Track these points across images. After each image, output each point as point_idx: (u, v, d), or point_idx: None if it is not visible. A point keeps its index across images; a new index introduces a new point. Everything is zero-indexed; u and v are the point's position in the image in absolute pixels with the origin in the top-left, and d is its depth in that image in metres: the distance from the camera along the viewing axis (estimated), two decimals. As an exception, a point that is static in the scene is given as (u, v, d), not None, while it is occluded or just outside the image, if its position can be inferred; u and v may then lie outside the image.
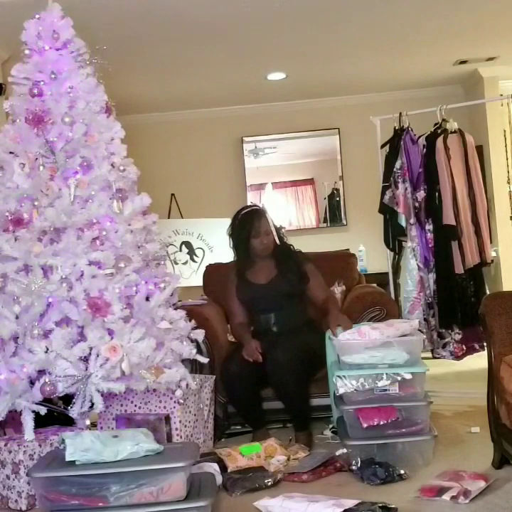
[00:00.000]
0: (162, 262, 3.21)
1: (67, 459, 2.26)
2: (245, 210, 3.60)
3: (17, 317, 2.77)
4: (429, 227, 4.21)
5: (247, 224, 3.52)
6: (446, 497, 2.47)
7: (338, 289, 4.00)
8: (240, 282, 3.65)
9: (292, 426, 3.46)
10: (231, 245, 3.67)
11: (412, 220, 4.22)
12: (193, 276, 6.40)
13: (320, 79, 6.25)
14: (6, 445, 2.70)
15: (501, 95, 5.89)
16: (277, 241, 3.58)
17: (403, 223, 4.26)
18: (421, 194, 4.20)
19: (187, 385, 3.03)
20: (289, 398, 3.36)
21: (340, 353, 3.05)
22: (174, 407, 2.99)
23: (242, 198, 6.98)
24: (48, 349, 2.71)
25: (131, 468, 2.24)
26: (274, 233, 3.56)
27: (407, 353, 3.00)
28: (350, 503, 2.36)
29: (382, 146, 4.56)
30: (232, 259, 3.74)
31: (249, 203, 3.77)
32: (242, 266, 3.64)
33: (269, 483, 2.76)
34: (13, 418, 2.84)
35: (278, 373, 3.28)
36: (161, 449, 2.36)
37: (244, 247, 3.57)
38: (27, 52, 3.07)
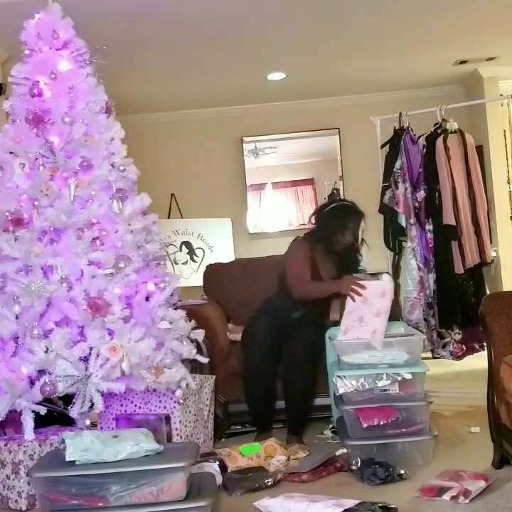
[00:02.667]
0: (162, 262, 3.21)
1: (67, 459, 2.26)
2: (347, 203, 3.57)
3: (17, 317, 2.77)
4: (429, 227, 4.21)
5: (344, 216, 3.47)
6: (446, 497, 2.47)
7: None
8: (312, 260, 3.52)
9: (287, 428, 3.43)
10: (315, 224, 3.57)
11: (412, 220, 4.22)
12: (193, 276, 6.41)
13: (320, 79, 6.25)
14: (6, 445, 2.70)
15: (501, 95, 5.89)
16: (355, 246, 3.52)
17: (403, 223, 4.27)
18: (421, 194, 4.21)
19: (187, 385, 3.03)
20: (297, 397, 3.37)
21: (340, 353, 3.05)
22: (174, 407, 2.99)
23: (242, 198, 6.99)
24: (47, 349, 2.71)
25: (131, 468, 2.23)
26: (360, 238, 3.52)
27: (407, 353, 3.00)
28: (350, 503, 2.35)
29: (382, 146, 4.56)
30: (313, 235, 3.59)
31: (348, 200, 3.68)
32: (315, 248, 3.53)
33: (269, 483, 2.76)
34: (13, 418, 2.84)
35: (293, 365, 3.32)
36: (161, 449, 2.36)
37: (329, 235, 3.49)
38: (27, 52, 3.07)
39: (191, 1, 4.29)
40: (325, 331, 3.40)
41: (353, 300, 3.17)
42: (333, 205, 3.59)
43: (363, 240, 3.57)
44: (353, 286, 3.18)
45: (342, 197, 6.90)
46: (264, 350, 3.41)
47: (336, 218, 3.49)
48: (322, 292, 3.42)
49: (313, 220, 3.61)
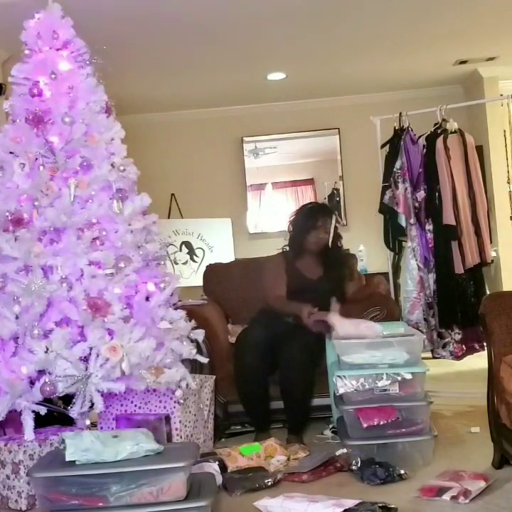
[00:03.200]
0: (162, 262, 3.21)
1: (67, 459, 2.26)
2: (314, 204, 3.77)
3: (17, 317, 2.77)
4: (429, 227, 4.21)
5: (312, 217, 3.60)
6: (446, 497, 2.47)
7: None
8: (289, 269, 3.65)
9: (287, 428, 3.44)
10: (289, 231, 3.72)
11: (412, 220, 4.22)
12: (193, 276, 6.41)
13: (320, 79, 6.25)
14: (6, 445, 2.70)
15: (501, 95, 5.89)
16: (329, 244, 3.62)
17: (403, 223, 4.27)
18: (421, 194, 4.21)
19: (187, 385, 3.03)
20: (295, 397, 3.38)
21: (340, 353, 3.05)
22: (174, 407, 2.99)
23: (242, 198, 6.99)
24: (47, 349, 2.71)
25: (131, 468, 2.23)
26: (331, 236, 3.60)
27: (407, 353, 3.00)
28: (350, 503, 2.35)
29: (382, 146, 4.56)
30: (284, 245, 3.75)
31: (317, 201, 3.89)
32: (294, 254, 3.67)
33: (269, 483, 2.76)
34: (13, 418, 2.84)
35: (291, 367, 3.33)
36: (161, 449, 2.36)
37: (301, 237, 3.62)
38: (27, 52, 3.07)
39: (191, 1, 4.29)
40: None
41: (314, 331, 3.32)
42: (301, 208, 3.74)
43: (338, 235, 3.67)
44: (311, 321, 3.33)
45: (341, 197, 6.94)
46: (256, 351, 3.41)
47: (305, 220, 3.63)
48: (289, 312, 3.51)
49: (290, 228, 3.73)
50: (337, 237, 3.66)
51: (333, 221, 3.61)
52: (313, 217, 3.60)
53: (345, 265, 3.72)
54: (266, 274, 3.72)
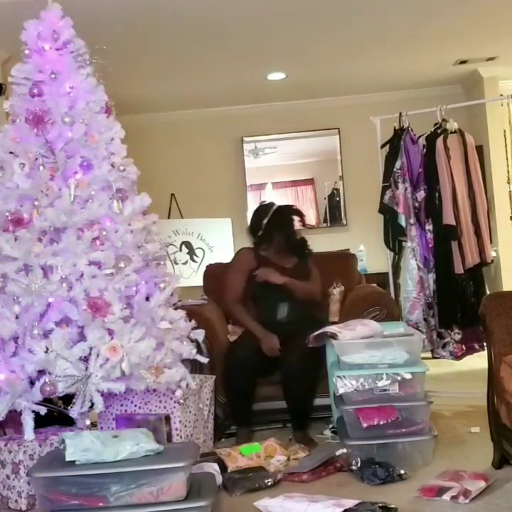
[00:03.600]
0: (162, 262, 3.21)
1: (67, 459, 2.26)
2: (284, 206, 3.84)
3: (17, 317, 2.77)
4: (429, 227, 4.21)
5: (286, 219, 3.73)
6: (446, 497, 2.47)
7: (336, 290, 4.00)
8: (262, 264, 3.69)
9: (291, 425, 3.46)
10: (260, 231, 3.76)
11: (412, 220, 4.22)
12: (193, 276, 6.40)
13: (320, 79, 6.25)
14: (6, 445, 2.70)
15: (501, 95, 5.88)
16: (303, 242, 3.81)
17: (403, 223, 4.26)
18: (421, 194, 4.21)
19: (187, 385, 3.03)
20: (297, 399, 3.40)
21: (340, 353, 3.05)
22: (174, 407, 2.99)
23: (242, 198, 6.99)
24: (47, 349, 2.71)
25: (131, 468, 2.24)
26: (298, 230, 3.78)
27: (407, 352, 3.00)
28: (350, 503, 2.36)
29: (382, 146, 4.56)
30: (254, 243, 3.82)
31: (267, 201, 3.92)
32: (266, 253, 3.74)
33: (269, 483, 2.76)
34: (13, 418, 2.84)
35: (292, 375, 3.35)
36: (161, 449, 2.36)
37: (274, 237, 3.71)
38: (27, 52, 3.07)
39: (191, 1, 4.29)
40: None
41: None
42: (265, 207, 3.81)
43: (300, 228, 3.82)
44: (275, 350, 3.44)
45: (341, 197, 6.94)
46: (249, 349, 3.44)
47: (276, 221, 3.73)
48: (245, 326, 3.63)
49: (258, 231, 3.79)
50: (299, 230, 3.83)
51: (295, 218, 3.78)
52: (289, 220, 3.74)
53: (308, 257, 3.83)
54: (230, 271, 3.80)
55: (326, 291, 3.97)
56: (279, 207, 3.79)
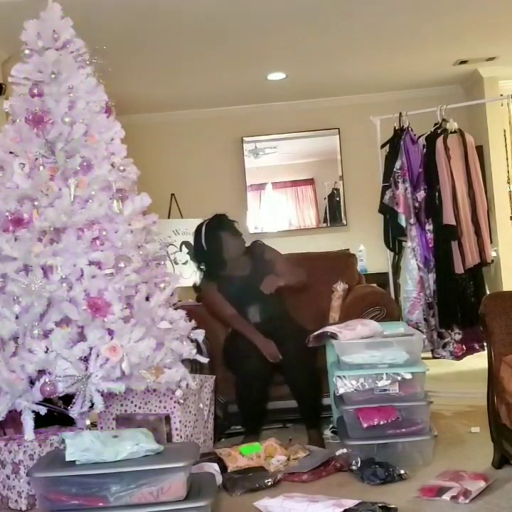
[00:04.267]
0: (162, 262, 3.21)
1: (67, 459, 2.26)
2: (207, 222, 3.76)
3: (17, 317, 2.77)
4: (429, 227, 4.21)
5: (216, 233, 3.67)
6: (446, 497, 2.47)
7: (339, 287, 3.98)
8: (220, 283, 3.69)
9: (305, 424, 3.44)
10: (201, 258, 3.75)
11: (412, 220, 4.22)
12: (193, 277, 6.40)
13: (320, 79, 6.26)
14: (6, 445, 2.70)
15: (501, 95, 5.89)
16: (245, 241, 3.74)
17: (403, 223, 4.27)
18: (421, 194, 4.21)
19: (187, 385, 3.03)
20: (306, 394, 3.40)
21: (340, 353, 3.05)
22: (174, 407, 2.99)
23: (242, 198, 6.99)
24: (47, 349, 2.71)
25: (131, 468, 2.23)
26: (237, 237, 3.72)
27: (407, 352, 3.00)
28: (350, 503, 2.36)
29: (382, 146, 4.56)
30: (203, 274, 3.78)
31: (209, 216, 3.87)
32: (218, 272, 3.71)
33: (269, 483, 2.76)
34: (13, 418, 2.84)
35: (293, 366, 3.35)
36: (161, 449, 2.36)
37: (219, 256, 3.66)
38: (27, 52, 3.06)
39: (191, 1, 4.29)
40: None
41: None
42: (196, 238, 3.75)
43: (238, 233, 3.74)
44: (277, 354, 3.39)
45: (341, 197, 6.93)
46: (259, 358, 3.42)
47: (210, 241, 3.68)
48: (246, 336, 3.53)
49: (199, 258, 3.78)
50: (237, 234, 3.74)
51: (231, 223, 3.77)
52: (217, 232, 3.68)
53: (262, 252, 3.77)
54: (207, 302, 3.75)
55: (330, 288, 3.96)
56: (202, 225, 3.75)
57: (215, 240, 3.67)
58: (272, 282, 3.53)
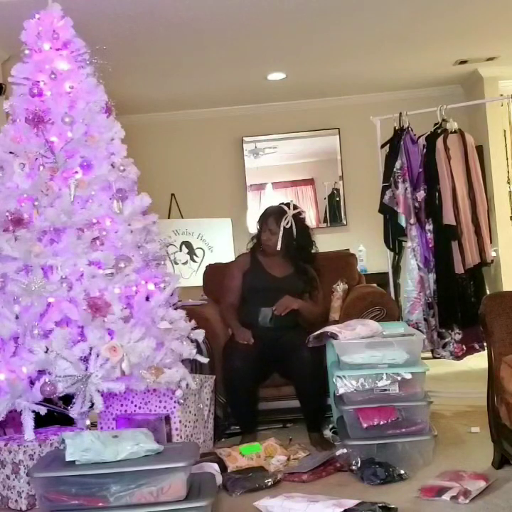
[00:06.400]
0: (162, 262, 3.21)
1: (67, 459, 2.26)
2: (270, 206, 3.81)
3: (17, 317, 2.77)
4: (429, 227, 4.21)
5: (262, 218, 3.74)
6: (446, 497, 2.47)
7: (339, 287, 3.98)
8: (254, 268, 3.71)
9: (307, 427, 3.44)
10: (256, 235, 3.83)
11: (412, 220, 4.22)
12: (193, 276, 6.40)
13: (320, 79, 6.25)
14: (6, 445, 2.70)
15: (501, 95, 5.89)
16: (278, 246, 3.63)
17: (403, 223, 4.26)
18: (421, 194, 4.20)
19: (187, 385, 3.03)
20: (311, 397, 3.39)
21: (340, 353, 3.05)
22: (174, 407, 2.99)
23: (242, 198, 6.99)
24: (47, 349, 2.71)
25: (131, 468, 2.23)
26: (280, 235, 3.62)
27: (407, 353, 3.00)
28: (350, 503, 2.35)
29: (382, 146, 4.55)
30: (251, 247, 3.85)
31: (285, 201, 3.81)
32: (256, 254, 3.75)
33: (269, 483, 2.75)
34: (13, 418, 2.84)
35: (305, 371, 3.33)
36: (161, 449, 2.36)
37: (258, 238, 3.76)
38: (27, 52, 3.07)
39: (191, 1, 4.29)
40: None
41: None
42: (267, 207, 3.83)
43: (287, 230, 3.64)
44: (247, 337, 3.42)
45: (341, 197, 6.93)
46: (246, 357, 3.40)
47: (259, 222, 3.78)
48: (227, 322, 3.67)
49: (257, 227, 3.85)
50: (289, 237, 3.64)
51: (283, 223, 3.62)
52: (263, 218, 3.73)
53: (306, 268, 3.73)
54: (227, 275, 3.82)
55: (330, 288, 3.96)
56: (266, 209, 3.79)
57: (261, 224, 3.73)
58: (286, 304, 3.51)
